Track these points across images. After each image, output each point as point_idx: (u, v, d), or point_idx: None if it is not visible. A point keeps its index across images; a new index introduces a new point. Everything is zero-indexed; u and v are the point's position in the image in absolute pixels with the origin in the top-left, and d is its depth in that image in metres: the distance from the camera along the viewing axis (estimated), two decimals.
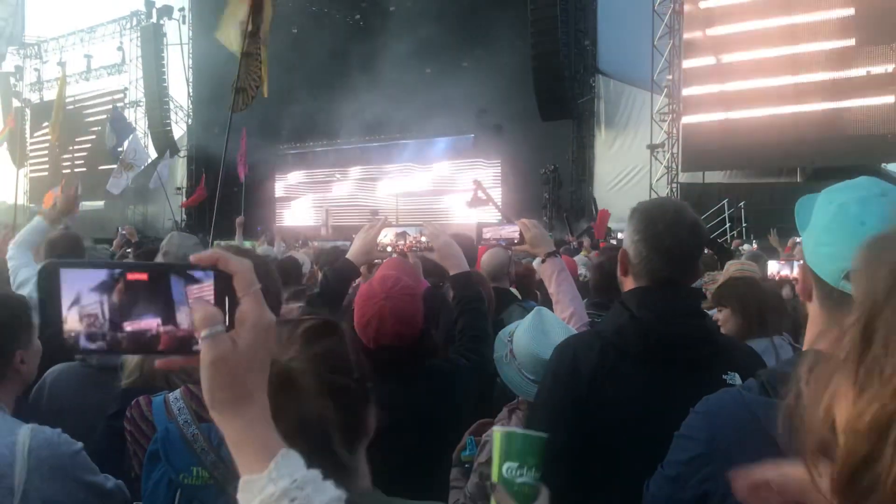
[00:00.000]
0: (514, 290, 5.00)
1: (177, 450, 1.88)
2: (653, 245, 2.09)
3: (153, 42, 30.81)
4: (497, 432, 1.53)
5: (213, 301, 0.93)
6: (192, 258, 0.94)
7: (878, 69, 17.70)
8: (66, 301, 0.90)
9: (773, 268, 4.95)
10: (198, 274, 0.93)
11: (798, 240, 11.70)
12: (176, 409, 1.95)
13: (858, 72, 17.94)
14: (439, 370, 2.59)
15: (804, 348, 1.44)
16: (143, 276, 0.92)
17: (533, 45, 21.44)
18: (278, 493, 0.90)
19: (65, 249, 4.65)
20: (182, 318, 0.92)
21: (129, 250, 10.64)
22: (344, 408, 1.29)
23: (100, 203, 30.05)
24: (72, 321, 0.90)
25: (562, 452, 2.05)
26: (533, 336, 2.54)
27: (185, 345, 0.93)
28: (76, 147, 31.78)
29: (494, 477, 1.42)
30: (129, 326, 0.91)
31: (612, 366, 2.03)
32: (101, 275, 0.91)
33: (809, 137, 18.34)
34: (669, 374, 1.99)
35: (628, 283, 2.20)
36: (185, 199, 27.03)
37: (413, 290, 2.52)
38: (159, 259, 4.25)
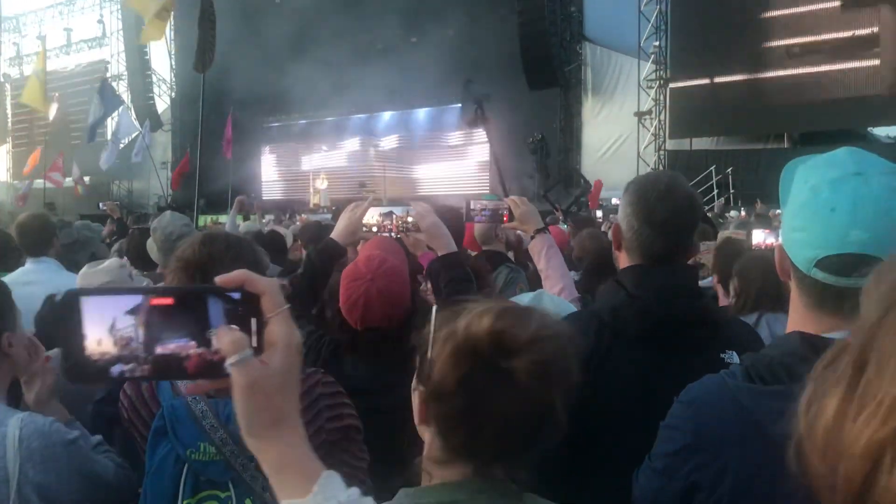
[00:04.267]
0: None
1: (184, 425, 1.86)
2: (644, 218, 2.04)
3: (134, 14, 30.34)
4: None
5: (240, 322, 0.92)
6: (218, 279, 0.93)
7: (863, 31, 17.69)
8: (99, 325, 0.88)
9: (758, 237, 4.87)
10: (230, 307, 0.92)
11: (778, 211, 11.72)
12: (183, 386, 1.92)
13: (844, 34, 17.94)
14: None
15: (787, 330, 1.42)
16: (169, 301, 0.90)
17: (519, 13, 21.22)
18: None
19: (34, 233, 4.50)
20: (207, 350, 0.91)
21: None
22: None
23: (84, 178, 29.79)
24: (106, 345, 0.88)
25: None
26: None
27: (215, 368, 0.91)
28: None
29: None
30: (160, 349, 0.90)
31: (608, 347, 2.00)
32: (134, 298, 0.89)
33: (795, 101, 18.35)
34: (666, 356, 1.96)
35: (622, 259, 2.16)
36: (170, 173, 26.79)
37: (400, 270, 2.49)
38: (150, 241, 4.21)
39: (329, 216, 15.47)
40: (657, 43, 21.32)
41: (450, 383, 1.17)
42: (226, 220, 10.59)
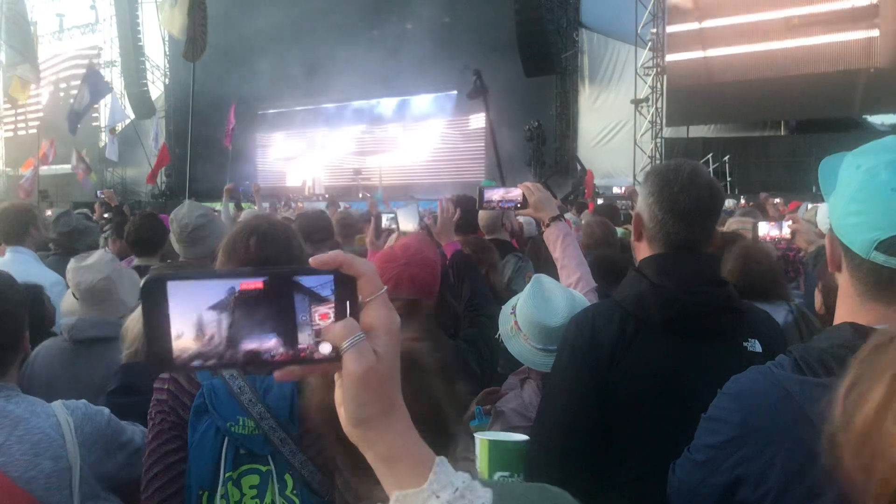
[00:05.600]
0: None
1: (223, 402, 1.91)
2: (668, 207, 2.04)
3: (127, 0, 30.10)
4: (483, 441, 1.51)
5: (334, 307, 0.87)
6: (313, 261, 0.87)
7: (861, 2, 17.67)
8: (186, 314, 0.83)
9: (763, 229, 4.94)
10: (321, 290, 0.86)
11: (777, 200, 11.70)
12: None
13: (842, 4, 17.94)
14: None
15: (835, 322, 1.39)
16: (259, 285, 0.85)
17: (515, 0, 21.12)
18: None
19: (8, 222, 4.41)
20: (303, 336, 0.86)
21: (106, 215, 10.46)
22: (450, 384, 1.27)
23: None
24: (186, 340, 0.83)
25: (582, 426, 2.03)
26: (535, 305, 2.50)
27: (311, 355, 0.86)
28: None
29: None
30: (245, 345, 0.84)
31: (633, 336, 2.00)
32: (222, 283, 0.84)
33: (790, 89, 18.30)
34: (690, 344, 1.96)
35: (642, 249, 2.16)
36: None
37: (433, 262, 2.52)
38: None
39: (324, 204, 15.44)
40: (654, 30, 21.23)
41: None
42: (220, 208, 10.55)
